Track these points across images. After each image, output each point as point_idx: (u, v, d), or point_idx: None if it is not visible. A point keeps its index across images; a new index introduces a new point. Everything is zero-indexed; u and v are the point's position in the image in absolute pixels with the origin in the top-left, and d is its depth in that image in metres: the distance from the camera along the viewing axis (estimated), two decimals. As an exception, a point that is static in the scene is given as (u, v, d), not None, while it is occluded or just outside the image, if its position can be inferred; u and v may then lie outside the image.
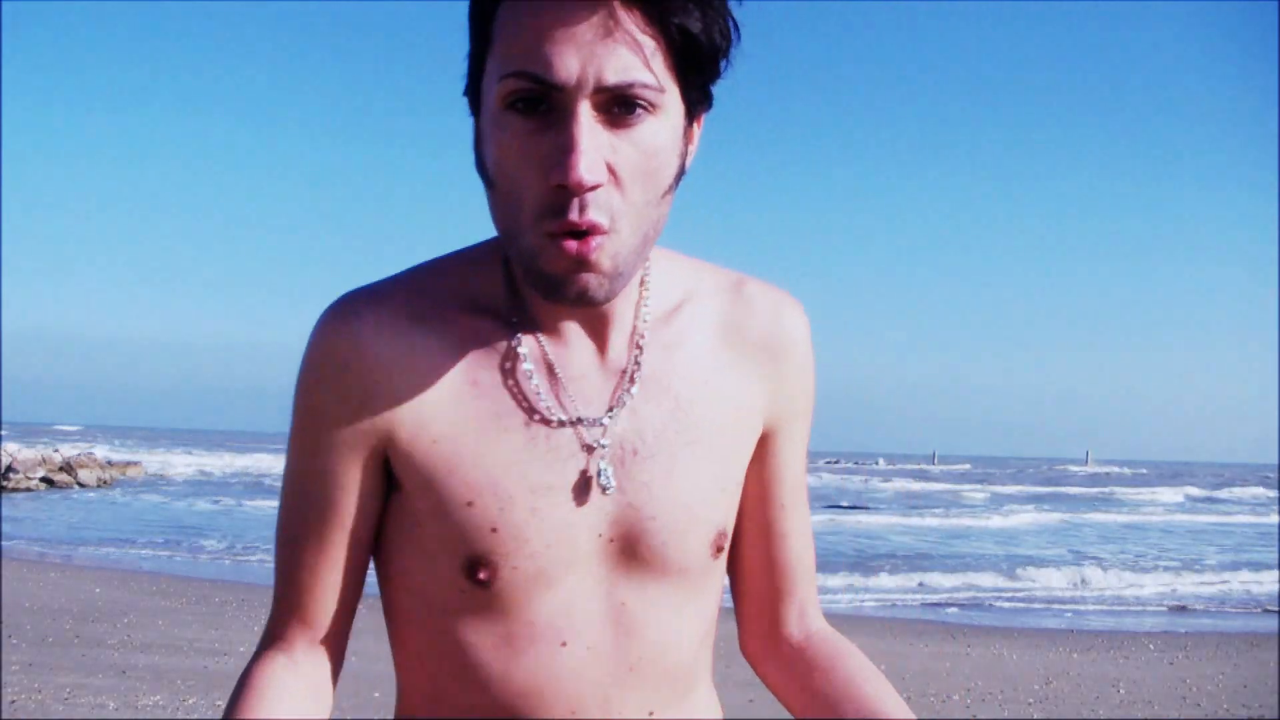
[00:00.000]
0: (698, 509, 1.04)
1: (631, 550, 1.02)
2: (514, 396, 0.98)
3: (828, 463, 78.15)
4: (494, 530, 0.97)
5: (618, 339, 1.02)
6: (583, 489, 0.99)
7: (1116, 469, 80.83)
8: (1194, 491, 43.96)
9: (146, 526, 19.71)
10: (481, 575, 0.98)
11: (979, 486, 44.60)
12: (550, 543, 0.99)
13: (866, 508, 30.75)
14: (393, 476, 1.00)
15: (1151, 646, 10.08)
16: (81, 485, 28.36)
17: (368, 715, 6.65)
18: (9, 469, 27.06)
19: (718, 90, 0.94)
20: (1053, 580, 15.19)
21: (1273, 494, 41.72)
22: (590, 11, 0.83)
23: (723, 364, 1.07)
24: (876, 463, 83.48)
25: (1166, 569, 16.85)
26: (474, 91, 0.93)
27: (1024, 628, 11.29)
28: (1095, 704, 7.61)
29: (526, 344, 1.00)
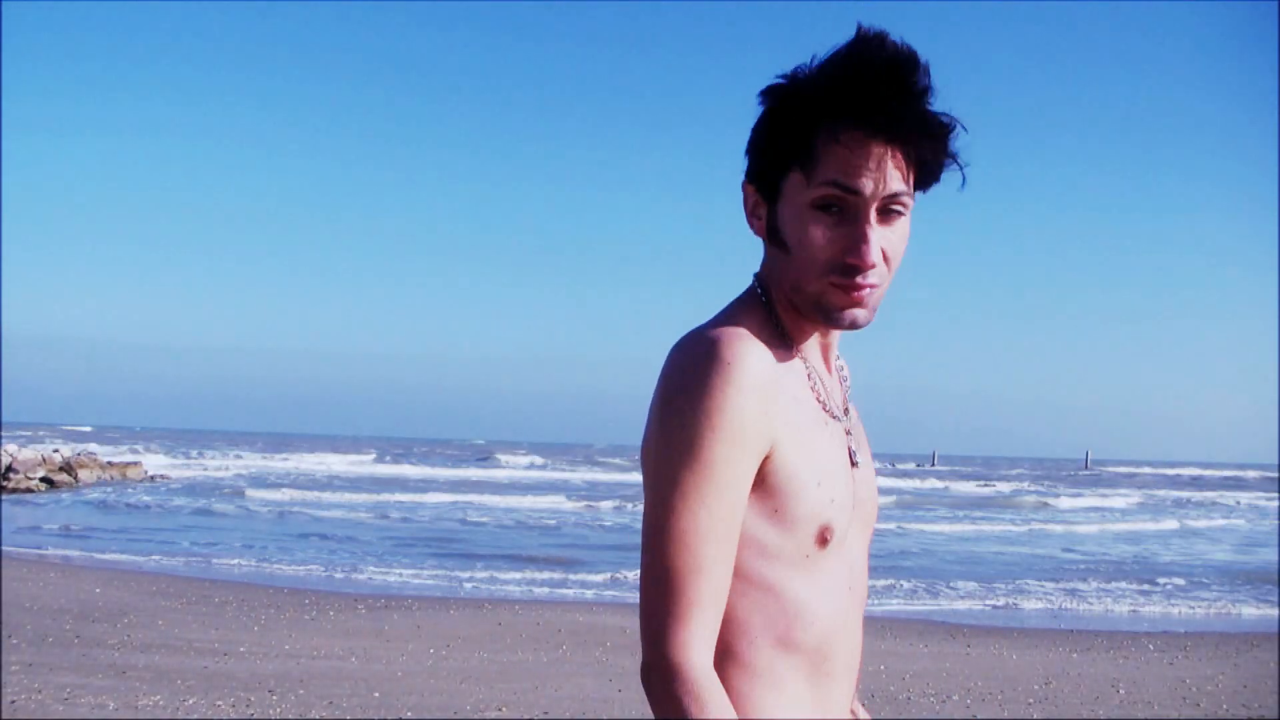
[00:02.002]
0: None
1: (862, 515, 1.43)
2: (817, 403, 1.37)
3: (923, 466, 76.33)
4: (832, 501, 1.33)
5: (833, 362, 1.46)
6: (848, 467, 1.39)
7: (1123, 469, 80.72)
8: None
9: (146, 527, 19.73)
10: (827, 538, 1.32)
11: (1074, 490, 43.81)
12: (849, 509, 1.37)
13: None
14: (760, 471, 1.28)
15: (1151, 646, 10.08)
16: (82, 485, 28.38)
17: (368, 715, 6.65)
18: (9, 469, 27.06)
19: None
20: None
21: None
22: (879, 148, 1.26)
23: None
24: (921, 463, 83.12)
25: None
26: (768, 180, 1.33)
27: (1024, 628, 11.30)
28: (1095, 704, 7.61)
29: (806, 366, 1.39)
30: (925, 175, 1.32)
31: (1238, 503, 39.11)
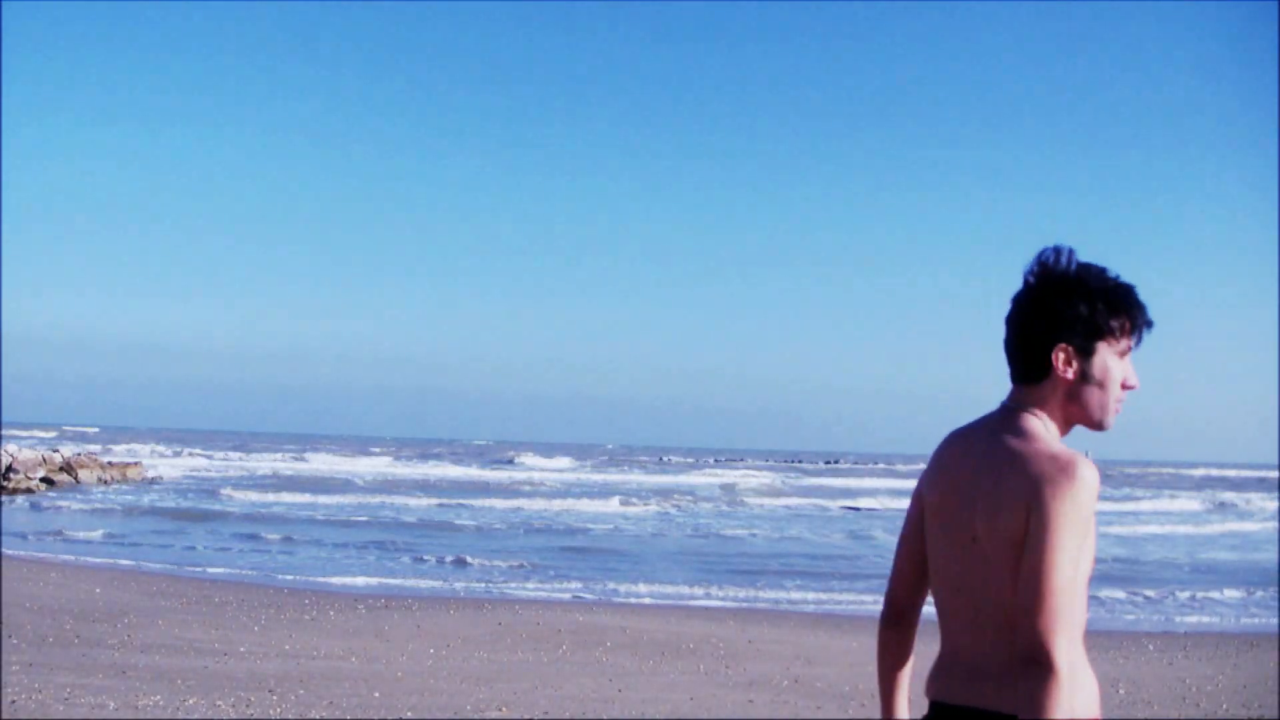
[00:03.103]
0: None
1: None
2: None
3: None
4: None
5: None
6: None
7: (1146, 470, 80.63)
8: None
9: (145, 528, 19.73)
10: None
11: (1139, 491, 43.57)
12: None
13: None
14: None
15: (1151, 646, 10.08)
16: (82, 485, 28.40)
17: (368, 715, 6.65)
18: (9, 469, 27.09)
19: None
20: None
21: None
22: (1135, 330, 2.19)
23: None
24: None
25: None
26: (1085, 344, 2.15)
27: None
28: (1095, 704, 7.59)
29: None
30: (1138, 342, 2.23)
31: (1248, 502, 39.09)
